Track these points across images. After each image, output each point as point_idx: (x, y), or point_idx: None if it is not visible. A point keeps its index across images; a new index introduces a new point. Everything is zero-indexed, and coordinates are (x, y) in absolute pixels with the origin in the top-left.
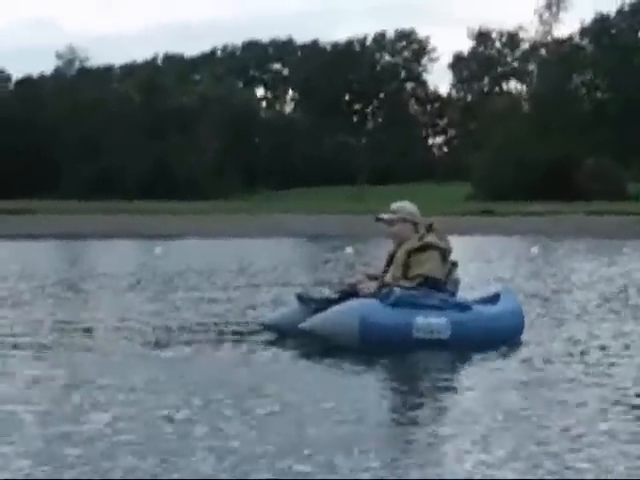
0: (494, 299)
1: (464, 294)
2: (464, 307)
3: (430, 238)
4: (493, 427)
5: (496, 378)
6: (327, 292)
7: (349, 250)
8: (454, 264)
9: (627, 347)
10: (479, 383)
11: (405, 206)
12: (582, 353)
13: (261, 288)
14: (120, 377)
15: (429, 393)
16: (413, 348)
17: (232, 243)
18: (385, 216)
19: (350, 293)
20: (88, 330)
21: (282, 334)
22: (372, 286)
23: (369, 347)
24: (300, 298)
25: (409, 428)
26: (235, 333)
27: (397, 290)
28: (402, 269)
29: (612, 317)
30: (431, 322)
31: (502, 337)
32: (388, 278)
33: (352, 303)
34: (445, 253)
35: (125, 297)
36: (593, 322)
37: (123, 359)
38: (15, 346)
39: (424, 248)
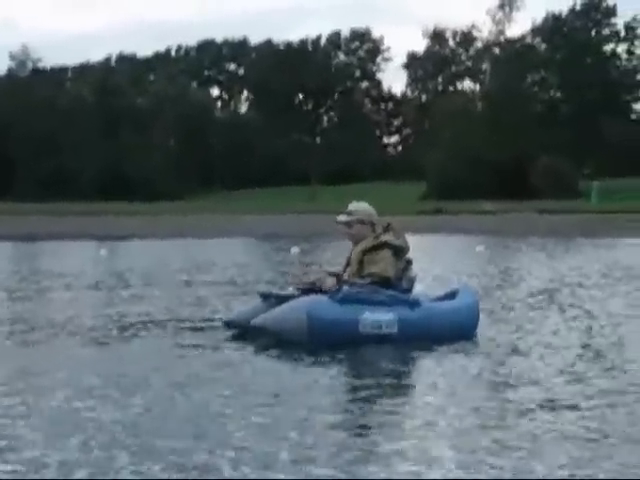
0: (451, 296)
1: (423, 291)
2: (412, 303)
3: (385, 237)
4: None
5: (447, 371)
6: (290, 289)
7: (295, 250)
8: (409, 262)
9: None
10: (432, 378)
11: (362, 207)
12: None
13: (209, 286)
14: (73, 373)
15: (380, 390)
16: (360, 343)
17: (185, 243)
18: (343, 219)
19: (311, 290)
20: (35, 327)
21: (244, 330)
22: (332, 283)
23: (317, 342)
24: (263, 295)
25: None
26: (196, 329)
27: (345, 287)
28: (357, 267)
29: (537, 312)
30: (378, 318)
31: (453, 333)
32: (345, 276)
33: (301, 299)
34: (400, 251)
35: (73, 295)
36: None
37: (77, 355)
38: None
39: (378, 247)
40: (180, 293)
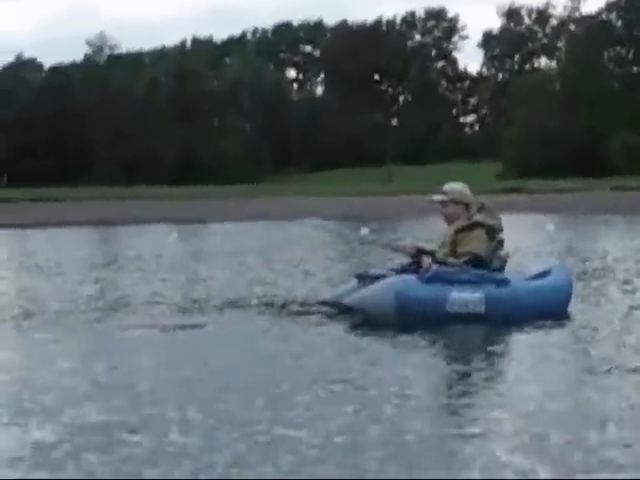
0: (545, 274)
1: (517, 270)
2: (500, 282)
3: (478, 217)
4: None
5: (534, 353)
6: (384, 270)
7: (364, 231)
8: (500, 242)
9: None
10: (523, 359)
11: (457, 187)
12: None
13: (285, 267)
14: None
15: (466, 367)
16: (447, 322)
17: (260, 225)
18: (437, 198)
19: (406, 270)
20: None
21: (339, 310)
22: (428, 262)
23: (405, 321)
24: (358, 276)
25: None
26: (282, 309)
27: (434, 266)
28: (450, 247)
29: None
30: (465, 297)
31: (542, 311)
32: (439, 255)
33: (390, 279)
34: (493, 231)
35: (166, 277)
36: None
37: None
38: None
39: (471, 227)
40: (256, 274)
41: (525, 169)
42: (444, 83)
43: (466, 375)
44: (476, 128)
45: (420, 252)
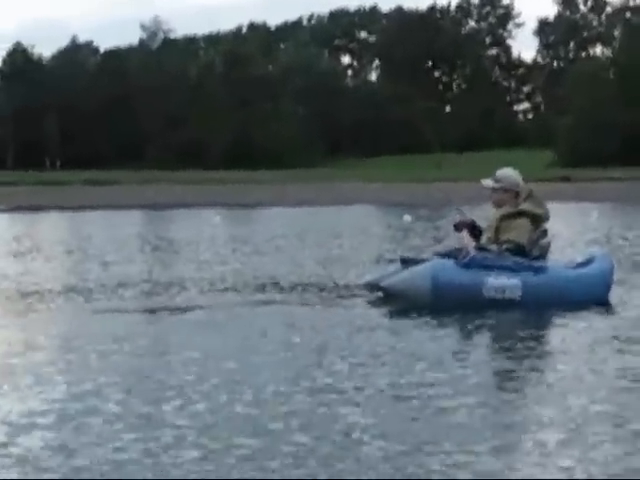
0: (587, 263)
1: (560, 258)
2: (537, 269)
3: (525, 205)
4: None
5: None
6: (427, 255)
7: (407, 218)
8: (544, 231)
9: None
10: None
11: (507, 175)
12: None
13: (333, 251)
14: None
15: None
16: (483, 307)
17: (311, 211)
18: (488, 184)
19: (447, 255)
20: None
21: (380, 293)
22: (472, 246)
23: (441, 305)
24: (402, 259)
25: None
26: (329, 291)
27: (472, 251)
28: (494, 233)
29: None
30: (502, 282)
31: (581, 299)
32: (483, 240)
33: (427, 263)
34: (539, 220)
35: (223, 259)
36: None
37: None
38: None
39: (516, 215)
40: (288, 258)
41: (578, 157)
42: (498, 70)
43: (509, 367)
44: (529, 116)
45: (472, 227)
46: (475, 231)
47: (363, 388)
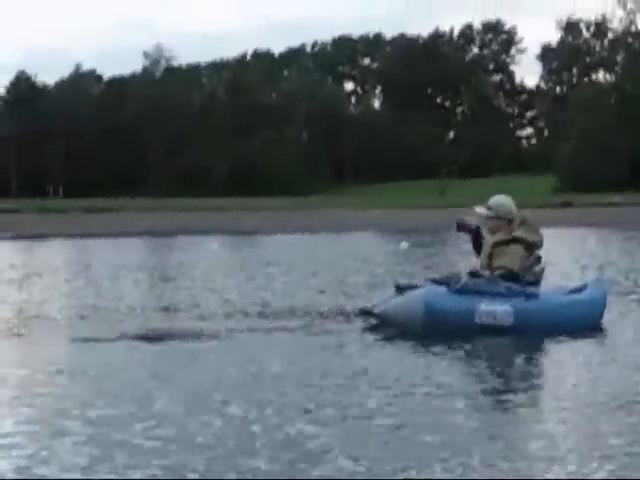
0: (580, 289)
1: (553, 285)
2: (530, 295)
3: (519, 232)
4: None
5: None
6: (421, 281)
7: (404, 245)
8: (538, 258)
9: None
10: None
11: (500, 203)
12: None
13: (331, 278)
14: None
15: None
16: (475, 333)
17: (311, 238)
18: (481, 212)
19: (442, 282)
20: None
21: (373, 320)
22: (465, 273)
23: (433, 331)
24: (397, 287)
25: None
26: (326, 318)
27: (464, 278)
28: (487, 259)
29: None
30: (494, 309)
31: (572, 325)
32: (477, 266)
33: (420, 290)
34: (532, 247)
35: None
36: None
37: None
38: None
39: (510, 242)
40: (279, 284)
41: (581, 183)
42: (501, 96)
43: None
44: (533, 141)
45: (476, 234)
46: (477, 241)
47: (345, 409)
